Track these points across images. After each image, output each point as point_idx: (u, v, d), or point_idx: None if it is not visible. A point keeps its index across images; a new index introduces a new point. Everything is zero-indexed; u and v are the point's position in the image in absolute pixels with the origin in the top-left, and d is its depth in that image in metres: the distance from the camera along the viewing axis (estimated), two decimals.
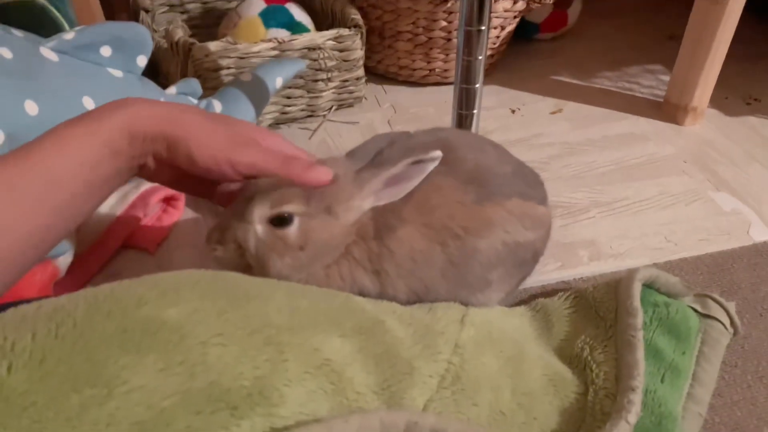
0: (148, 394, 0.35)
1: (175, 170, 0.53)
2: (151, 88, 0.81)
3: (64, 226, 0.48)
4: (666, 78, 1.19)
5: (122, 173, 0.51)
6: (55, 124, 0.50)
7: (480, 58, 0.74)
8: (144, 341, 0.37)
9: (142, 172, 0.53)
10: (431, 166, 0.54)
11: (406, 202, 0.56)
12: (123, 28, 0.76)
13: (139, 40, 0.77)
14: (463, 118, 0.80)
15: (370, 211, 0.56)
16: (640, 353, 0.54)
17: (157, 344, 0.37)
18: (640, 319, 0.57)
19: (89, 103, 0.70)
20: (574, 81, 1.23)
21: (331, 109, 1.11)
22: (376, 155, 0.59)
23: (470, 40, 0.73)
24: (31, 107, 0.63)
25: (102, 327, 0.37)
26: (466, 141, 0.62)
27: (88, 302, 0.39)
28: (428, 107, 1.14)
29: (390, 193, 0.55)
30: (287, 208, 0.53)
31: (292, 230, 0.53)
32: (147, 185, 0.84)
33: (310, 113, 1.10)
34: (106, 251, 0.78)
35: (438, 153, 0.53)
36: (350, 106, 1.14)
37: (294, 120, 1.09)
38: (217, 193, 0.59)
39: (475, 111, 0.79)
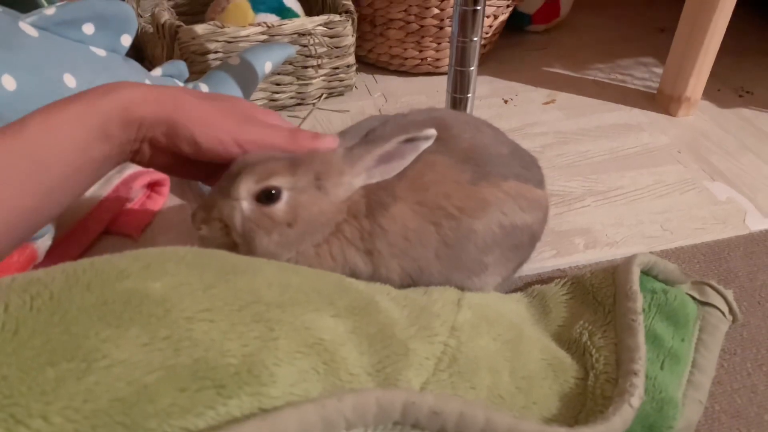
0: (129, 369, 0.33)
1: (172, 155, 0.51)
2: (135, 69, 0.78)
3: (48, 210, 0.46)
4: (658, 70, 1.19)
5: (112, 158, 0.49)
6: (34, 100, 0.48)
7: (475, 39, 0.72)
8: (126, 314, 0.35)
9: (135, 157, 0.51)
10: (425, 145, 0.53)
11: (399, 179, 0.54)
12: (106, 5, 0.73)
13: (123, 18, 0.74)
14: (458, 102, 0.78)
15: (361, 188, 0.54)
16: (641, 337, 0.52)
17: (140, 318, 0.35)
18: (640, 303, 0.56)
19: (71, 81, 0.67)
20: (567, 72, 1.22)
21: (321, 97, 1.09)
22: (368, 133, 0.57)
23: (465, 21, 0.71)
24: (9, 82, 0.61)
25: (81, 299, 0.35)
26: (462, 120, 0.60)
27: (66, 274, 0.37)
28: (420, 96, 1.12)
29: (382, 170, 0.54)
30: (273, 182, 0.51)
31: (280, 206, 0.51)
32: (131, 169, 0.81)
33: (299, 101, 1.07)
34: (88, 236, 0.76)
35: (432, 131, 0.52)
36: (340, 94, 1.12)
37: (283, 108, 1.07)
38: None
39: (469, 95, 0.77)
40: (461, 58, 0.74)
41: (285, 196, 0.51)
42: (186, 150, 0.49)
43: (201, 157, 0.50)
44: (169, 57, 0.95)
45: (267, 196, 0.51)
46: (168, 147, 0.49)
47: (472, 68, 0.75)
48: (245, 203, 0.51)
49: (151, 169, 0.81)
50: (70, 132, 0.44)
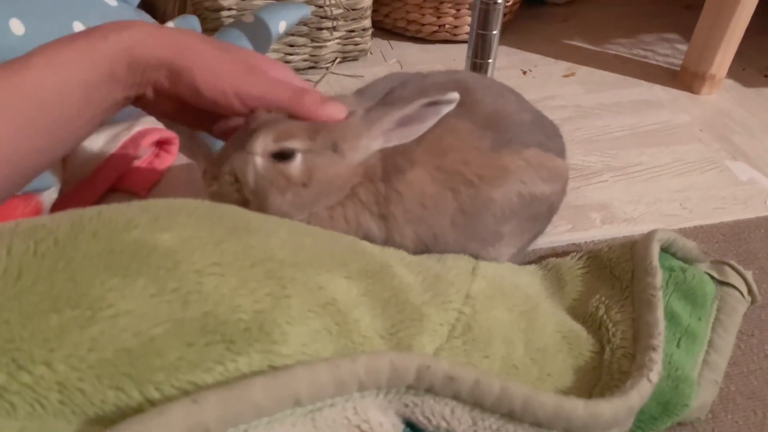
0: (136, 320, 0.31)
1: (175, 102, 0.49)
2: (147, 21, 0.76)
3: (52, 151, 0.45)
4: (682, 47, 1.15)
5: (118, 102, 0.47)
6: None
7: (499, 2, 0.69)
8: (133, 264, 0.33)
9: (138, 102, 0.49)
10: (447, 109, 0.50)
11: (418, 143, 0.52)
12: None
13: None
14: (478, 67, 0.76)
15: (378, 151, 0.52)
16: (660, 312, 0.51)
17: (148, 269, 0.34)
18: (659, 278, 0.54)
19: (80, 29, 0.65)
20: (588, 46, 1.19)
21: (335, 61, 1.06)
22: (387, 94, 0.55)
23: None
24: (17, 26, 0.59)
25: (87, 247, 0.34)
26: (484, 84, 0.58)
27: (72, 221, 0.36)
28: (436, 65, 1.09)
29: (401, 134, 0.51)
30: (292, 144, 0.49)
31: (296, 165, 0.49)
32: (139, 126, 0.79)
33: (312, 64, 1.05)
34: (94, 192, 0.74)
35: (455, 95, 0.50)
36: (355, 59, 1.09)
37: (296, 70, 1.04)
38: (217, 127, 0.55)
39: (490, 60, 0.75)
40: (484, 21, 0.71)
41: (300, 156, 0.49)
42: (186, 96, 0.47)
43: (202, 106, 0.48)
44: (182, 13, 0.92)
45: (282, 155, 0.49)
46: (171, 92, 0.47)
47: (494, 32, 0.72)
48: (260, 159, 0.49)
49: (160, 127, 0.80)
50: (75, 71, 0.42)
